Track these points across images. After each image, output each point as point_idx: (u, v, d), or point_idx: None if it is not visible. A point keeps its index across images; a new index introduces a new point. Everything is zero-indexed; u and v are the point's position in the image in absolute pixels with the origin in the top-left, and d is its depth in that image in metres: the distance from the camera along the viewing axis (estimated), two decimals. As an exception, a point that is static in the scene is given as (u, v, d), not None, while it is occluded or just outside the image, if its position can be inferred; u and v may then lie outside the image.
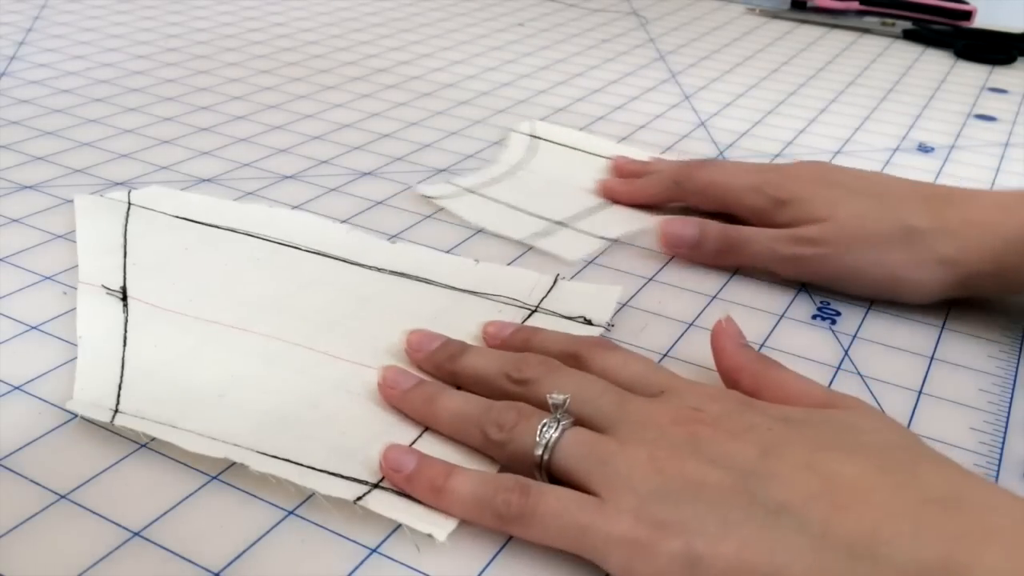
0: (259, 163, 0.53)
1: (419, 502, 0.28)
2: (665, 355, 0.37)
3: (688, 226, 0.43)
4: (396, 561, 0.27)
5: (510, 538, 0.28)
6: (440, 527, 0.27)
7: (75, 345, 0.35)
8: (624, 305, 0.40)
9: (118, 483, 0.29)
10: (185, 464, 0.30)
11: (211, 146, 0.55)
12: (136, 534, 0.27)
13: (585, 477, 0.28)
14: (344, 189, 0.50)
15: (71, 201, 0.47)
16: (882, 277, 0.40)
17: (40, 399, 0.33)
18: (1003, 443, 0.33)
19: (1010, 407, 0.35)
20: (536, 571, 0.27)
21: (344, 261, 0.41)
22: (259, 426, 0.31)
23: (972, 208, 0.40)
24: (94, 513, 0.28)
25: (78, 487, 0.29)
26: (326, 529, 0.28)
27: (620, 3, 0.96)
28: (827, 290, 0.42)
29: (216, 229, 0.43)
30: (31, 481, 0.29)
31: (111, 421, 0.30)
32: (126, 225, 0.43)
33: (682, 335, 0.38)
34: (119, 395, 0.32)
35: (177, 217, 0.44)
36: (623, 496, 0.27)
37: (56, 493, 0.29)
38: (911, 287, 0.40)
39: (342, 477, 0.29)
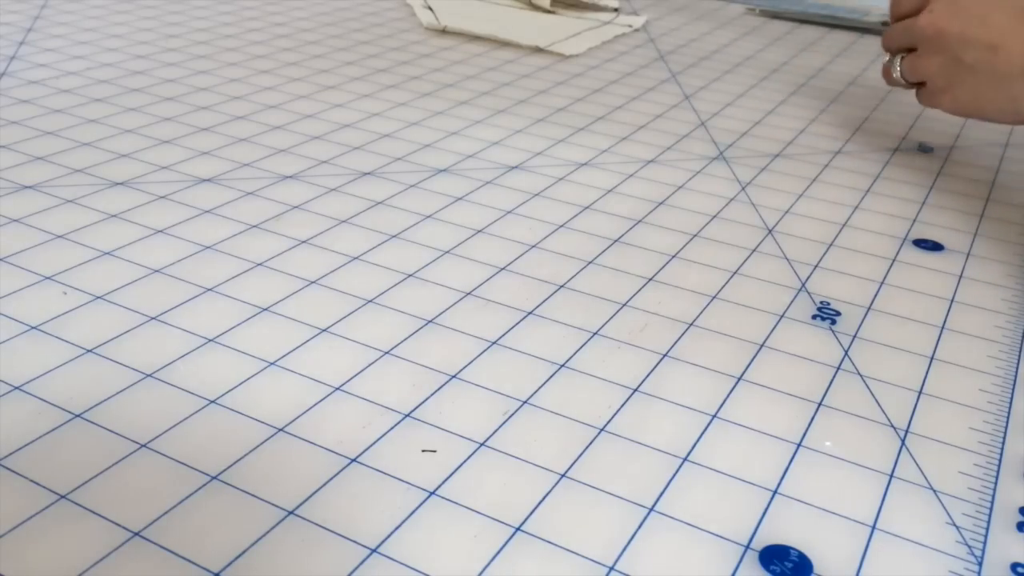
0: (259, 163, 0.53)
1: None
2: (665, 355, 0.37)
3: None
4: (396, 561, 0.27)
5: (511, 537, 0.28)
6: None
7: (75, 345, 0.35)
8: (624, 305, 0.40)
9: (118, 483, 0.29)
10: (185, 464, 0.30)
11: (211, 146, 0.55)
12: (136, 534, 0.27)
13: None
14: (344, 189, 0.50)
15: (71, 201, 0.47)
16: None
17: (40, 399, 0.33)
18: (1003, 443, 0.33)
19: (1010, 407, 0.35)
20: (537, 570, 0.27)
21: None
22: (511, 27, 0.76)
23: None
24: (94, 513, 0.28)
25: (78, 487, 0.29)
26: (326, 529, 0.28)
27: (621, 3, 0.95)
28: (827, 291, 0.42)
29: None
30: (31, 481, 0.29)
31: (443, 28, 0.76)
32: None
33: (682, 335, 0.39)
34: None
35: None
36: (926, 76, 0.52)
37: (56, 493, 0.29)
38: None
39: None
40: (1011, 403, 0.35)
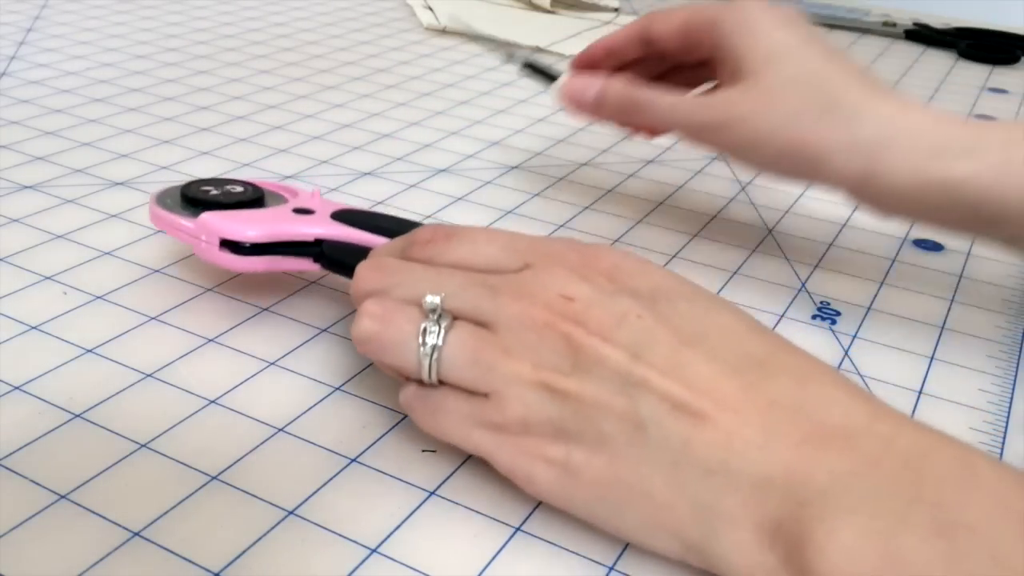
0: (259, 163, 0.53)
1: None
2: (665, 355, 0.37)
3: (590, 85, 0.43)
4: (396, 561, 0.27)
5: (511, 537, 0.28)
6: None
7: (75, 345, 0.35)
8: (624, 305, 0.40)
9: (118, 483, 0.29)
10: (185, 464, 0.30)
11: (211, 146, 0.55)
12: (136, 534, 0.27)
13: (472, 384, 0.28)
14: (344, 189, 0.50)
15: (71, 201, 0.47)
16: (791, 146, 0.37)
17: (40, 399, 0.33)
18: (1003, 443, 0.33)
19: (1010, 407, 0.35)
20: (537, 570, 0.27)
21: None
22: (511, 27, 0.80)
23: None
24: (94, 513, 0.28)
25: (78, 487, 0.29)
26: (326, 529, 0.28)
27: (621, 3, 0.95)
28: (827, 291, 0.42)
29: None
30: (31, 481, 0.29)
31: (443, 28, 0.80)
32: None
33: (682, 335, 0.38)
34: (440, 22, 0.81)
35: None
36: (510, 405, 0.27)
37: (56, 493, 0.29)
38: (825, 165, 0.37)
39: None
40: (1011, 403, 0.35)
